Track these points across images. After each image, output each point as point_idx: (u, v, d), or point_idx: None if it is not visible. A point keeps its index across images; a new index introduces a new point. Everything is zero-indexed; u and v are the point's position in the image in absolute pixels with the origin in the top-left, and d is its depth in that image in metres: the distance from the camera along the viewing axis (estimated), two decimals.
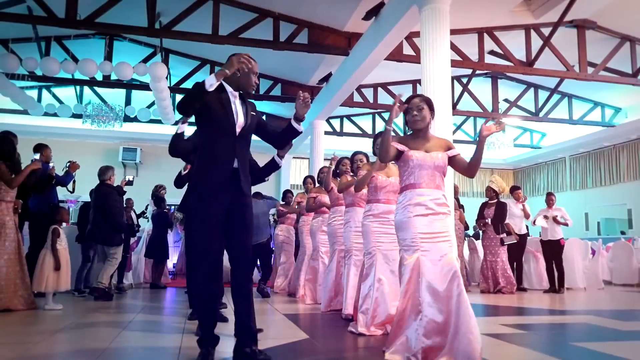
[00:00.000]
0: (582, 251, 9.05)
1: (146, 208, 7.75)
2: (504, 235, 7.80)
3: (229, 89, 2.98)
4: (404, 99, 3.14)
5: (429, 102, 3.15)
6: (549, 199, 8.36)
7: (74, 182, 6.60)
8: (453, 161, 3.12)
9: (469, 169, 3.07)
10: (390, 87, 11.66)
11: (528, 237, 8.77)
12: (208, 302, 2.89)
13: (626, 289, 8.91)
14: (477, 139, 3.00)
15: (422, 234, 2.92)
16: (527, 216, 8.39)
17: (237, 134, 2.93)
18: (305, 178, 7.43)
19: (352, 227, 4.72)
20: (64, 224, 5.64)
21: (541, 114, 12.55)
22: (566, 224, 8.09)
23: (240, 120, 2.95)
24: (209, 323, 2.86)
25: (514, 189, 8.84)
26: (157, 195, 7.85)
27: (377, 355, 3.23)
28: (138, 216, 7.77)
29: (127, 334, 3.74)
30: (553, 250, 8.01)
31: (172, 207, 7.70)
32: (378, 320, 3.78)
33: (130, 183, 6.85)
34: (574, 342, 3.73)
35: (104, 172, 6.49)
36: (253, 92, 3.07)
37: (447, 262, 2.87)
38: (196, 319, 4.84)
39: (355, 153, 4.91)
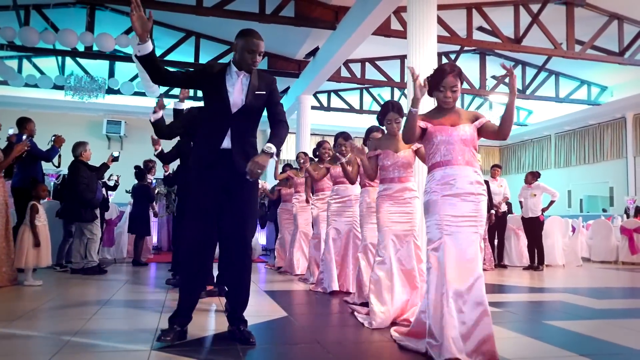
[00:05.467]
0: (562, 229, 9.20)
1: (114, 179, 7.50)
2: (492, 212, 7.91)
3: (233, 68, 2.93)
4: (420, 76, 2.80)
5: (461, 76, 2.87)
6: (526, 178, 8.47)
7: (60, 156, 6.50)
8: (482, 130, 2.85)
9: (502, 128, 2.78)
10: (378, 62, 11.55)
11: (509, 215, 8.88)
12: (189, 282, 2.91)
13: (604, 266, 9.11)
14: (508, 90, 2.71)
15: (449, 217, 2.69)
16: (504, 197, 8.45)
17: (231, 113, 2.88)
18: (298, 153, 7.26)
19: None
20: (45, 199, 5.57)
21: (528, 92, 12.57)
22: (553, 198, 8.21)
23: (235, 100, 2.88)
24: (185, 303, 2.87)
25: (493, 167, 8.90)
26: (139, 168, 7.69)
27: (361, 333, 3.28)
28: (108, 189, 7.56)
29: (104, 313, 3.75)
30: (533, 227, 8.13)
31: (154, 180, 7.56)
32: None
33: (116, 159, 6.75)
34: (546, 320, 3.82)
35: (76, 148, 6.37)
36: (251, 69, 2.91)
37: (471, 258, 2.65)
38: (172, 284, 4.94)
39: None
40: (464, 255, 2.66)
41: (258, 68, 3.01)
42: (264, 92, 2.95)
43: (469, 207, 2.70)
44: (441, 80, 2.82)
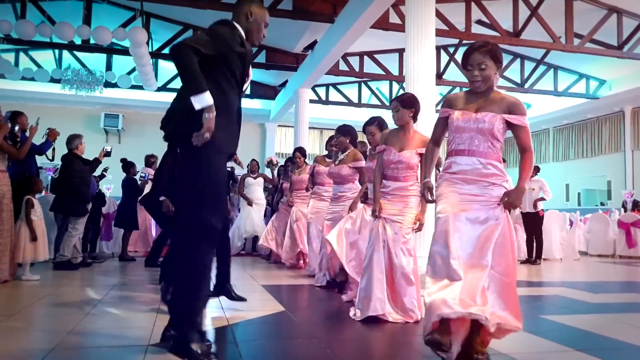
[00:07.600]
0: (560, 223, 9.23)
1: (105, 170, 7.40)
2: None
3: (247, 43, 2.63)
4: None
5: (493, 55, 2.54)
6: None
7: (54, 149, 6.45)
8: (513, 130, 2.57)
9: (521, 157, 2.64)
10: (376, 56, 11.52)
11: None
12: (204, 287, 2.49)
13: (601, 260, 9.14)
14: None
15: (455, 199, 2.52)
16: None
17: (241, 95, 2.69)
18: (294, 151, 7.11)
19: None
20: (42, 193, 5.53)
21: (527, 85, 12.57)
22: (543, 199, 8.14)
23: (248, 80, 2.75)
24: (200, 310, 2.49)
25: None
26: (125, 161, 7.59)
27: (358, 329, 3.28)
28: (98, 179, 7.43)
29: (101, 309, 3.71)
30: (533, 222, 8.15)
31: (147, 175, 7.45)
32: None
33: (108, 154, 6.69)
34: (543, 315, 3.83)
35: (70, 141, 6.29)
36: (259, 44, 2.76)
37: (486, 228, 2.47)
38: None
39: (367, 123, 4.34)
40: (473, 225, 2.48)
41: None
42: None
43: (476, 189, 2.52)
44: (467, 57, 2.56)
